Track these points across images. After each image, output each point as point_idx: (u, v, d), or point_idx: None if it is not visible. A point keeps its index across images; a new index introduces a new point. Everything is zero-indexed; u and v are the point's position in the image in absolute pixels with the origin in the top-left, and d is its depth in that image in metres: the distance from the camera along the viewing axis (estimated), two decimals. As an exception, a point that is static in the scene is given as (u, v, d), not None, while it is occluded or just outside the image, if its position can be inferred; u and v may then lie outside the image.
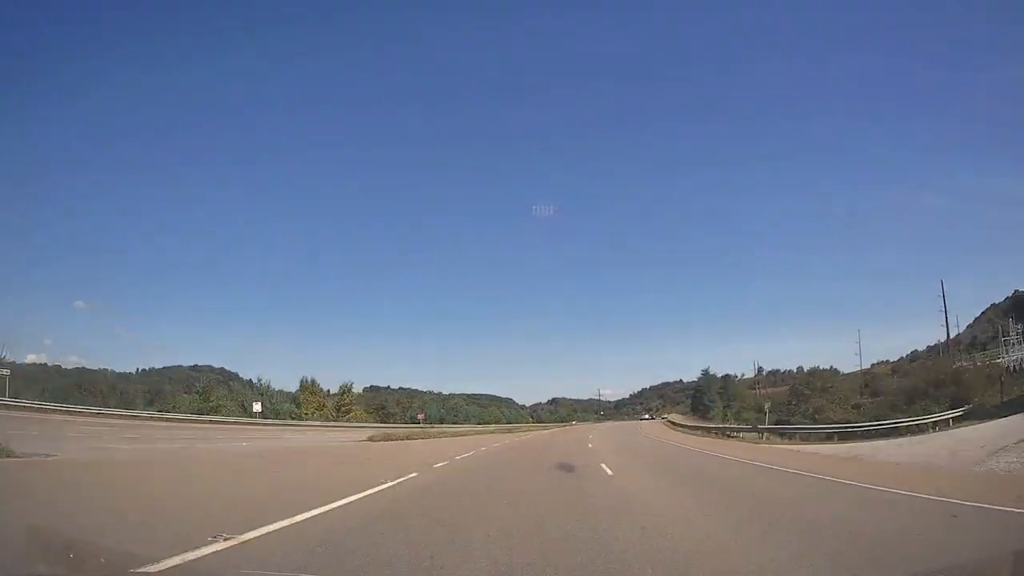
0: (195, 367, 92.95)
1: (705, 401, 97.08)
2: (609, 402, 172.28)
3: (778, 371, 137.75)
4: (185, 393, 59.84)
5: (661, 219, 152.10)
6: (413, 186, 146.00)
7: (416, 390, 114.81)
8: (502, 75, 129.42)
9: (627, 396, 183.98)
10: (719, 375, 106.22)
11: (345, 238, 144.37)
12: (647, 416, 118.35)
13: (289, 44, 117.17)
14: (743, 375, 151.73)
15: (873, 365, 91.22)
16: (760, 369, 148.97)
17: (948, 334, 53.85)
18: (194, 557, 4.45)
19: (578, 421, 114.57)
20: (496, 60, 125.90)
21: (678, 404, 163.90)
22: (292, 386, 69.78)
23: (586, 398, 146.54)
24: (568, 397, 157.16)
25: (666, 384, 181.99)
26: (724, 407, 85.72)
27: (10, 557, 4.13)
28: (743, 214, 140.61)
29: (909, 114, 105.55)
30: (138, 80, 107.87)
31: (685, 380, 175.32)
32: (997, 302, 77.21)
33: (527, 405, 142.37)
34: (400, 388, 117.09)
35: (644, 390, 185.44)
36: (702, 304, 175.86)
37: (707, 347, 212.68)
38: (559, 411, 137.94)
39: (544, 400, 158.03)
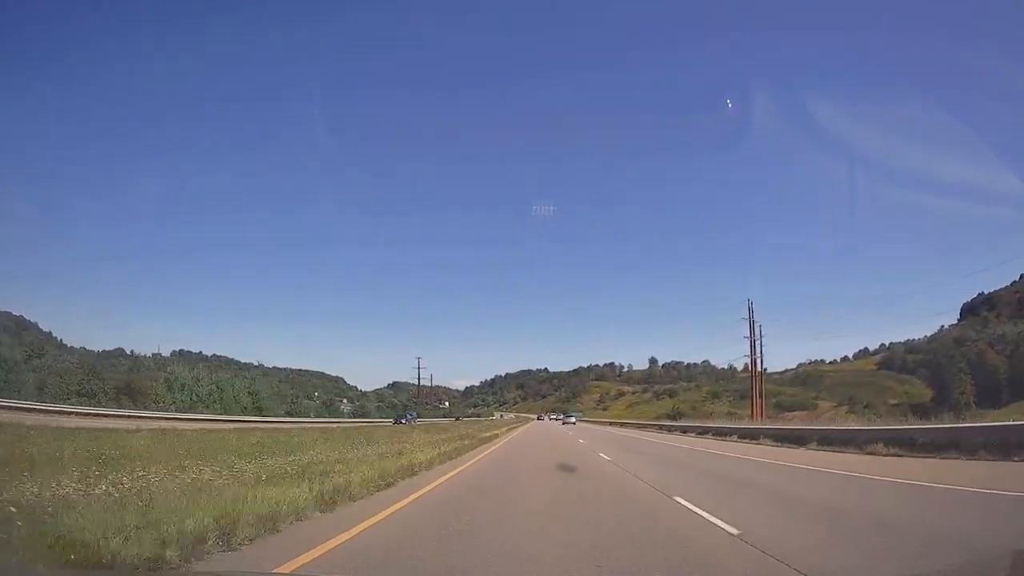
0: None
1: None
2: (457, 391, 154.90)
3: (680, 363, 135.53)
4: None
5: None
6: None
7: (234, 360, 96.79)
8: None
9: (478, 384, 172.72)
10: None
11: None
12: (572, 419, 77.47)
13: (287, 33, 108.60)
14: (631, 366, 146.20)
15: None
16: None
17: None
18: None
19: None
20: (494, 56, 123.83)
21: (545, 397, 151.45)
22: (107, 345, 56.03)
23: (429, 384, 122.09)
24: (410, 382, 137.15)
25: (526, 372, 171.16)
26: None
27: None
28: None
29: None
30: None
31: (551, 369, 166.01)
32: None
33: (367, 391, 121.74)
34: (215, 356, 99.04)
35: (499, 377, 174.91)
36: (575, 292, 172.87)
37: (580, 335, 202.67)
38: (398, 397, 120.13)
39: (384, 384, 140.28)
